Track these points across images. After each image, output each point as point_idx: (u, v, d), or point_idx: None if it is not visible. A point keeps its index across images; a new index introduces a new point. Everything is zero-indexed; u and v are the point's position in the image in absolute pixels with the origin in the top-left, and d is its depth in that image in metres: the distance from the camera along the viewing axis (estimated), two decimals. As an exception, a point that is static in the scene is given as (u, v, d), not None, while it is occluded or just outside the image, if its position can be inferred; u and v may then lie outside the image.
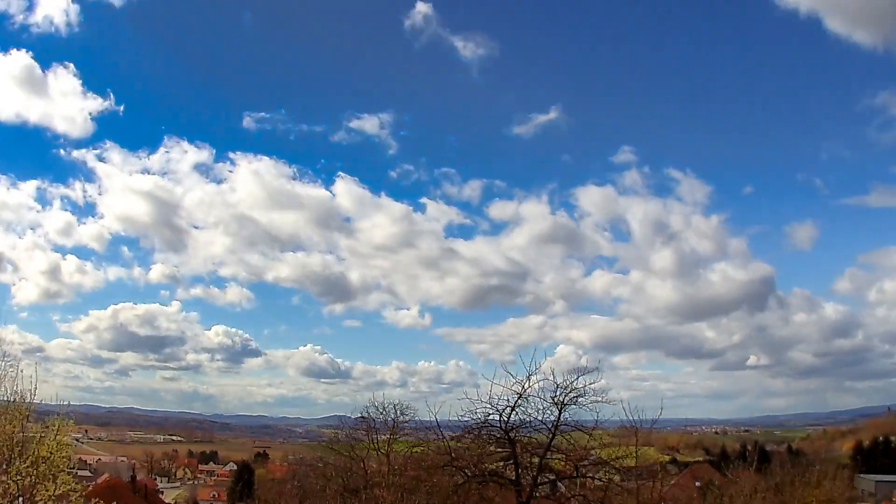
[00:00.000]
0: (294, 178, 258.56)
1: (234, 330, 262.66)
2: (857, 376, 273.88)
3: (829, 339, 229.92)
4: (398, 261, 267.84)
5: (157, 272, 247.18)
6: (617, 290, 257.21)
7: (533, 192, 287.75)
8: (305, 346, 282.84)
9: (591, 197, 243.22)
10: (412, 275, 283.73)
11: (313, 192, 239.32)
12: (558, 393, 24.35)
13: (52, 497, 18.07)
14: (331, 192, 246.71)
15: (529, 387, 24.36)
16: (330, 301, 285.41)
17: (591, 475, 26.92)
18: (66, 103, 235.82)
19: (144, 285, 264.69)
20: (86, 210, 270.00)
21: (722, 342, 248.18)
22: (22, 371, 19.57)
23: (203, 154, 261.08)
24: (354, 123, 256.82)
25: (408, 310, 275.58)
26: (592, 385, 24.21)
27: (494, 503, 28.13)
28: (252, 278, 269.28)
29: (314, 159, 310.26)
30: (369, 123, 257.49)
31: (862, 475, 73.28)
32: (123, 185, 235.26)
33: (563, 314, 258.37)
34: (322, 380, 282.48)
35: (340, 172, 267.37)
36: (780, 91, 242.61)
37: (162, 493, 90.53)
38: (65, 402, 19.90)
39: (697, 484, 60.43)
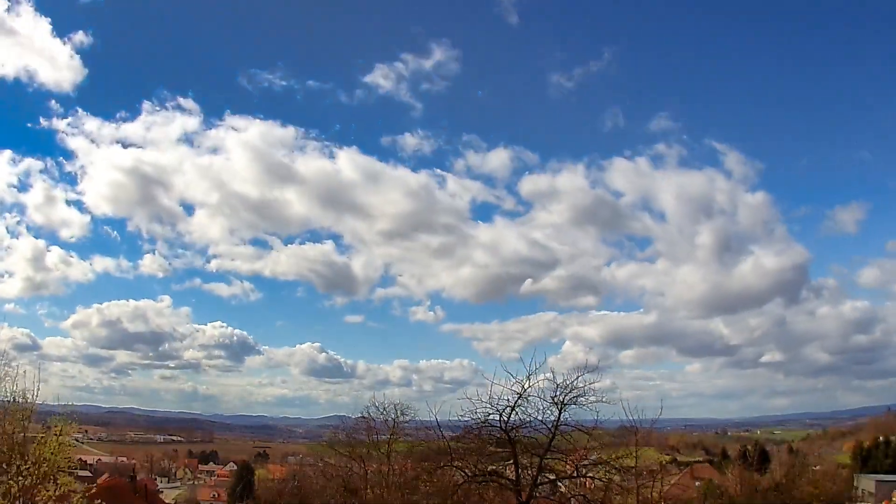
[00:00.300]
0: (298, 149, 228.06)
1: (230, 327, 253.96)
2: (866, 375, 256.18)
3: (848, 334, 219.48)
4: (409, 247, 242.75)
5: (146, 264, 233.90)
6: (646, 279, 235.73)
7: (567, 161, 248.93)
8: (305, 343, 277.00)
9: (625, 170, 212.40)
10: (425, 263, 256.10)
11: (319, 164, 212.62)
12: (558, 393, 24.34)
13: (53, 497, 18.09)
14: (339, 164, 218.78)
15: (530, 386, 24.34)
16: (333, 295, 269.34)
17: (591, 475, 26.92)
18: (35, 50, 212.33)
19: (134, 278, 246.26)
20: (65, 188, 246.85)
21: (740, 338, 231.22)
22: (24, 372, 19.60)
23: (192, 121, 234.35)
24: (368, 78, 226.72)
25: (417, 304, 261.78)
26: (593, 385, 24.18)
27: (494, 503, 28.17)
28: (249, 269, 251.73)
29: (322, 123, 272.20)
30: (383, 75, 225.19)
31: (862, 475, 73.24)
32: (103, 161, 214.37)
33: (586, 307, 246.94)
34: (323, 379, 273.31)
35: (345, 146, 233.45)
36: (837, 51, 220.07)
37: (162, 493, 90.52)
38: (67, 403, 19.96)
39: (697, 484, 60.53)
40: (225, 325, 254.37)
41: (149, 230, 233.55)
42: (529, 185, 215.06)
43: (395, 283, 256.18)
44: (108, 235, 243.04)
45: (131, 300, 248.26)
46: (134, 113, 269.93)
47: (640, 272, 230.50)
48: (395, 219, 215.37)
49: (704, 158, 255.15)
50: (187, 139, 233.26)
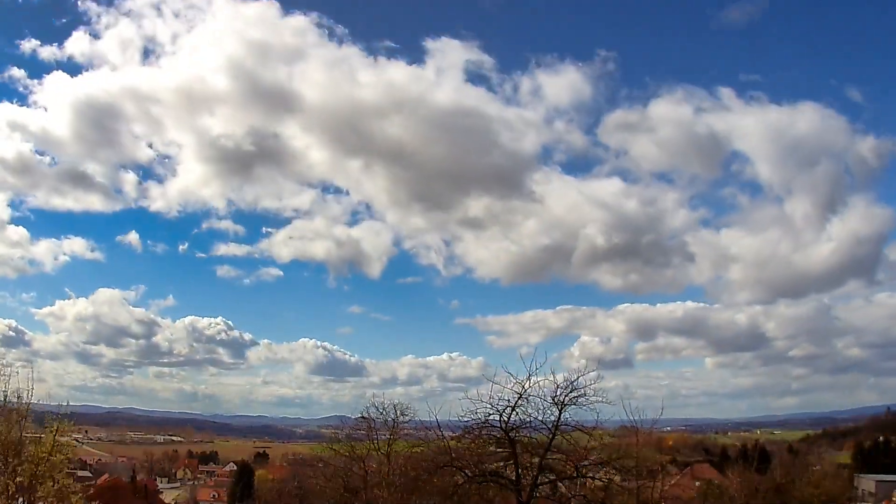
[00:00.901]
0: (301, 59, 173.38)
1: (223, 319, 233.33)
2: (885, 372, 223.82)
3: (891, 325, 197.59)
4: (438, 220, 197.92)
5: (123, 245, 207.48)
6: (715, 252, 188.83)
7: (664, 88, 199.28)
8: (307, 339, 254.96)
9: (722, 105, 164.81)
10: (457, 236, 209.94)
11: (331, 81, 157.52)
12: (559, 393, 24.31)
13: (52, 496, 18.08)
14: (360, 80, 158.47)
15: (530, 386, 24.31)
16: (339, 281, 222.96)
17: (591, 475, 26.89)
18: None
19: (110, 262, 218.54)
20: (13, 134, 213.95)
21: (781, 329, 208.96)
22: (18, 371, 19.62)
23: (159, 26, 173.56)
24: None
25: (439, 292, 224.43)
26: (594, 385, 24.14)
27: (494, 503, 28.12)
28: (242, 250, 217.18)
29: (341, 17, 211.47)
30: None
31: (862, 475, 73.23)
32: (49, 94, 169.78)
33: (639, 290, 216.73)
34: (326, 377, 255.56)
35: (373, 55, 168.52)
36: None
37: (162, 493, 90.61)
38: (64, 403, 19.97)
39: (697, 484, 60.45)
40: (216, 319, 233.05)
41: (119, 189, 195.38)
42: (611, 121, 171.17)
43: (414, 265, 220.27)
44: (72, 205, 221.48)
45: (111, 289, 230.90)
46: (75, 19, 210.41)
47: (713, 243, 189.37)
48: (429, 168, 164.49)
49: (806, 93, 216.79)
50: (152, 51, 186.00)
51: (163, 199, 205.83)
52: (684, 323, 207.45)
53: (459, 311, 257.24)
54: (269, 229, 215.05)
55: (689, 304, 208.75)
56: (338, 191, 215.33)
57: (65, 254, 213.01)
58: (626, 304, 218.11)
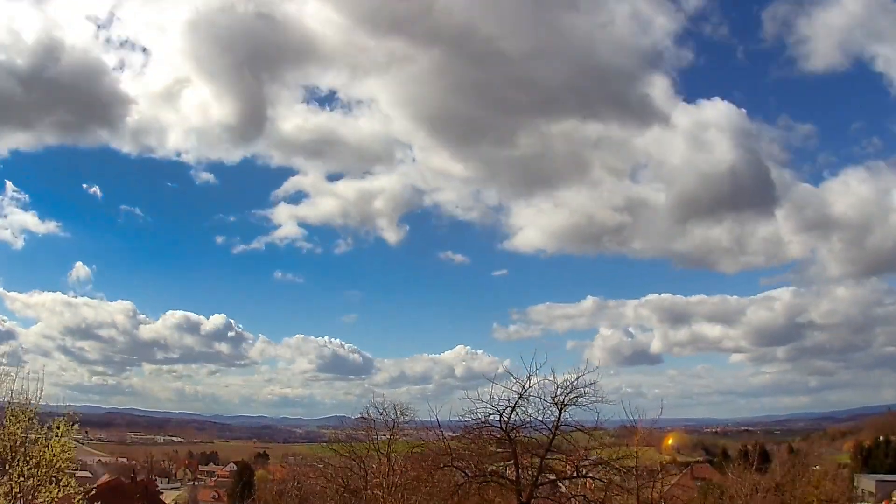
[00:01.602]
0: None
1: (216, 317, 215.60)
2: None
3: None
4: (487, 160, 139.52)
5: (94, 225, 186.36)
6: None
7: None
8: (307, 336, 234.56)
9: None
10: (502, 189, 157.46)
11: None
12: (559, 393, 24.44)
13: (55, 499, 18.18)
14: None
15: (530, 386, 24.43)
16: (347, 253, 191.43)
17: (591, 475, 27.00)
18: None
19: (81, 244, 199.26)
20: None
21: (830, 317, 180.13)
22: (27, 372, 19.73)
23: None
24: None
25: (467, 267, 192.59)
26: (594, 385, 24.28)
27: (495, 503, 28.22)
28: (230, 218, 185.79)
29: None
30: None
31: (862, 475, 73.35)
32: None
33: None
34: (329, 375, 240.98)
35: None
36: None
37: (162, 493, 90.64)
38: (68, 404, 20.09)
39: (697, 484, 60.53)
40: (209, 317, 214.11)
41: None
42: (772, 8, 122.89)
43: (439, 230, 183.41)
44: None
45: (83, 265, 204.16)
46: None
47: (814, 199, 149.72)
48: (495, 72, 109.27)
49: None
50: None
51: (123, 127, 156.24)
52: (722, 313, 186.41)
53: (481, 300, 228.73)
54: (263, 182, 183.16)
55: (727, 296, 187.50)
56: (353, 110, 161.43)
57: (23, 233, 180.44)
58: (653, 294, 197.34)
